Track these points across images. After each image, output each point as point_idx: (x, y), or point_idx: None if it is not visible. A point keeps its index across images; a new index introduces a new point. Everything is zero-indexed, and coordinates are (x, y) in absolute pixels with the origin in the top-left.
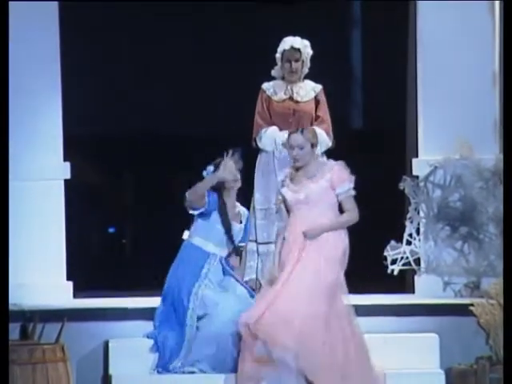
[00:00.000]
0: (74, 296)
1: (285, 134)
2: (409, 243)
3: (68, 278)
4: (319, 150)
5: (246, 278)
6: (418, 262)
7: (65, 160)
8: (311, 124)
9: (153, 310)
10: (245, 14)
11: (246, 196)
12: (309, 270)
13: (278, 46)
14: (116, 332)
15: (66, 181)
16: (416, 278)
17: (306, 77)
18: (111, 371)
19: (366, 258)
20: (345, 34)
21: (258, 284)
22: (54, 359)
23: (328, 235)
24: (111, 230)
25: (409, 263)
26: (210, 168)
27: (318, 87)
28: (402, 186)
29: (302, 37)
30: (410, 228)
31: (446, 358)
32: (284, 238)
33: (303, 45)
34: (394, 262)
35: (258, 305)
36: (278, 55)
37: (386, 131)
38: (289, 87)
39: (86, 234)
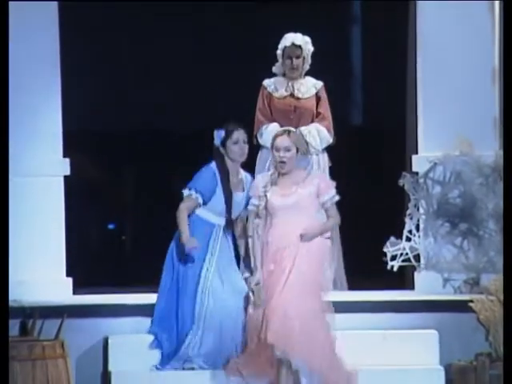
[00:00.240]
0: (74, 292)
1: None
2: (408, 239)
3: (68, 275)
4: (320, 146)
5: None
6: (417, 258)
7: (64, 156)
8: (312, 121)
9: (152, 306)
10: (245, 14)
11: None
12: (306, 275)
13: (277, 45)
14: (116, 328)
15: (65, 177)
16: (416, 274)
17: (307, 73)
18: (111, 367)
19: (366, 254)
20: (345, 31)
21: None
22: (54, 355)
23: (316, 239)
24: (111, 227)
25: (408, 259)
26: (221, 133)
27: (319, 84)
28: (401, 182)
29: (302, 34)
30: (409, 224)
31: (446, 355)
32: (267, 242)
33: (304, 41)
34: (393, 258)
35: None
36: (278, 52)
37: (386, 128)
38: (290, 84)
39: (85, 231)
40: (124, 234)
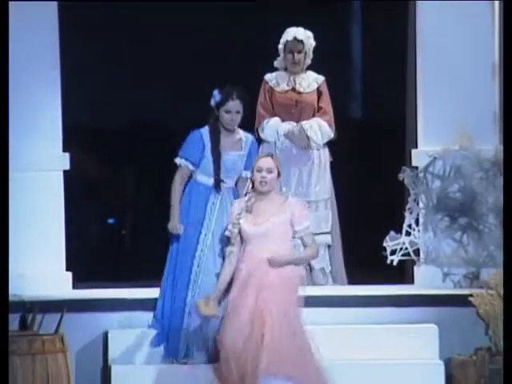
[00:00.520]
0: (74, 287)
1: (287, 125)
2: (408, 234)
3: (67, 269)
4: (321, 141)
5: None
6: (417, 252)
7: (64, 151)
8: (313, 115)
9: (152, 300)
10: (245, 14)
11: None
12: (274, 302)
13: (277, 43)
14: (115, 323)
15: (65, 172)
16: (415, 268)
17: (308, 68)
18: (110, 362)
19: (366, 249)
20: (345, 26)
21: None
22: (54, 350)
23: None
24: (111, 221)
25: (408, 254)
26: (217, 96)
27: (321, 78)
28: (401, 176)
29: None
30: (409, 219)
31: (446, 349)
32: (239, 268)
33: (306, 36)
34: (393, 252)
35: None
36: (280, 46)
37: (386, 122)
38: (291, 78)
39: (85, 225)
40: (124, 228)
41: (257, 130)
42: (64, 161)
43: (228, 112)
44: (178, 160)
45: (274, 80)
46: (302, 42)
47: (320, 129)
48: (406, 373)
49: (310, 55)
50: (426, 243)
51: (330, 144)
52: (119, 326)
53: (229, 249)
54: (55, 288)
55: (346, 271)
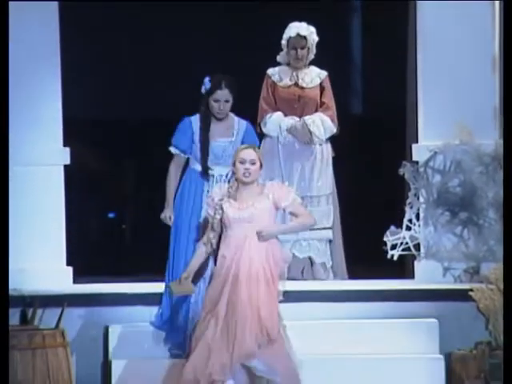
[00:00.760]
0: (74, 281)
1: (290, 120)
2: (408, 228)
3: (68, 264)
4: (324, 136)
5: None
6: (417, 247)
7: (64, 145)
8: (316, 110)
9: (153, 295)
10: (246, 11)
11: None
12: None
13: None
14: (116, 317)
15: (65, 166)
16: (416, 263)
17: (310, 63)
18: (111, 356)
19: (366, 244)
20: (345, 22)
21: None
22: (54, 344)
23: (272, 248)
24: (111, 216)
25: (408, 248)
26: (207, 84)
27: (323, 74)
28: (401, 171)
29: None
30: (409, 213)
31: (446, 343)
32: (223, 256)
33: (309, 32)
34: (393, 247)
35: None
36: (283, 42)
37: (386, 117)
38: (294, 73)
39: (85, 220)
40: (124, 222)
41: (259, 125)
42: (64, 155)
43: (216, 101)
44: (171, 149)
45: (277, 75)
46: (305, 37)
47: (323, 124)
48: (407, 367)
49: (313, 50)
50: (427, 238)
51: (331, 139)
52: (120, 321)
53: (211, 234)
54: (56, 283)
55: (346, 266)
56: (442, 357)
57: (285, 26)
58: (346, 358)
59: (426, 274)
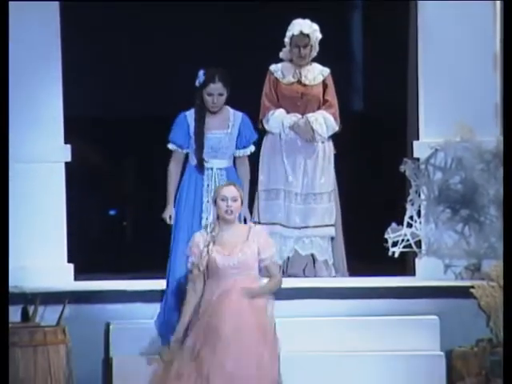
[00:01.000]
0: (75, 278)
1: (292, 117)
2: (409, 226)
3: (69, 261)
4: (326, 134)
5: None
6: (418, 244)
7: (66, 143)
8: (319, 108)
9: (153, 292)
10: (245, 14)
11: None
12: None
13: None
14: (117, 314)
15: (66, 163)
16: (417, 260)
17: (312, 60)
18: (112, 353)
19: (367, 241)
20: (346, 19)
21: None
22: (55, 341)
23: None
24: (112, 213)
25: (409, 246)
26: (201, 77)
27: (326, 71)
28: (402, 168)
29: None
30: (410, 210)
31: (447, 340)
32: (209, 301)
33: (312, 29)
34: (394, 244)
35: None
36: (286, 39)
37: (387, 114)
38: (297, 70)
39: (86, 217)
40: (125, 220)
41: (261, 121)
42: (65, 152)
43: (210, 94)
44: (169, 145)
45: (280, 71)
46: (308, 36)
47: (325, 122)
48: (408, 364)
49: (316, 48)
50: (428, 235)
51: (333, 136)
52: (121, 318)
53: (196, 284)
54: (57, 280)
55: (347, 263)
56: (442, 354)
57: (285, 26)
58: (347, 355)
59: (427, 271)
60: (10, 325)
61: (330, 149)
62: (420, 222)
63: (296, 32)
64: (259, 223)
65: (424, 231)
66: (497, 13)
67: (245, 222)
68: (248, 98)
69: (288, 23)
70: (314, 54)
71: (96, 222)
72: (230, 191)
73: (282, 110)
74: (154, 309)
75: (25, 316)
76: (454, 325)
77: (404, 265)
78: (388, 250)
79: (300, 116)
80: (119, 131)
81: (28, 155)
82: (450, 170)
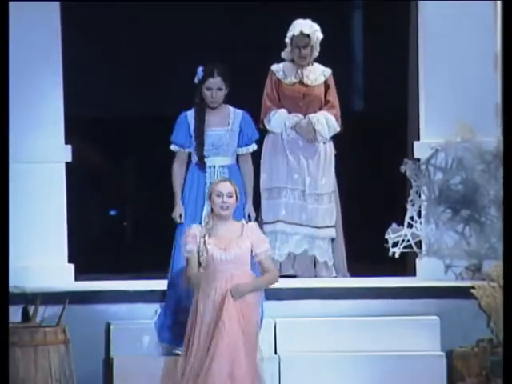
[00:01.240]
0: (76, 279)
1: (295, 118)
2: (410, 226)
3: (69, 261)
4: (328, 134)
5: None
6: (419, 244)
7: (66, 143)
8: (320, 108)
9: (154, 292)
10: (245, 14)
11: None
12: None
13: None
14: (117, 314)
15: (67, 164)
16: (417, 260)
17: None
18: (112, 354)
19: (368, 241)
20: (347, 19)
21: None
22: (56, 341)
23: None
24: (112, 213)
25: (410, 246)
26: (200, 73)
27: (328, 71)
28: (403, 168)
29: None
30: (411, 211)
31: (447, 341)
32: (207, 295)
33: (313, 30)
34: (395, 244)
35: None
36: (287, 40)
37: (388, 115)
38: (299, 71)
39: (87, 217)
40: (125, 220)
41: (262, 121)
42: (66, 153)
43: (209, 89)
44: (171, 147)
45: (281, 72)
46: (308, 36)
47: (327, 122)
48: (408, 365)
49: (317, 48)
50: (428, 235)
51: (333, 137)
52: (121, 318)
53: (195, 271)
54: (57, 280)
55: (348, 263)
56: (443, 354)
57: (285, 26)
58: (348, 355)
59: (428, 272)
60: (10, 325)
61: (330, 149)
62: (420, 223)
63: (296, 32)
64: (262, 222)
65: (424, 231)
66: (497, 13)
67: (249, 219)
68: (248, 98)
69: (288, 23)
70: (316, 54)
71: (96, 222)
72: (226, 187)
73: (283, 110)
74: (155, 309)
75: (25, 316)
76: (454, 325)
77: (404, 265)
78: (388, 250)
79: (302, 116)
80: (119, 131)
81: (28, 155)
82: (451, 170)
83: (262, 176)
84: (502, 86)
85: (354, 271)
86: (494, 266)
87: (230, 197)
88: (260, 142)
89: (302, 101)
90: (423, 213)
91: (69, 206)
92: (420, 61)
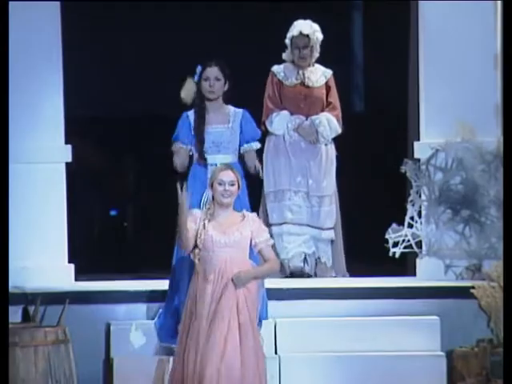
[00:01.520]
0: (76, 279)
1: (297, 120)
2: (410, 226)
3: (69, 261)
4: (330, 136)
5: None
6: (419, 244)
7: (66, 143)
8: (322, 110)
9: (154, 292)
10: (245, 14)
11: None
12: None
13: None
14: (117, 315)
15: (67, 164)
16: (417, 260)
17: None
18: (113, 354)
19: (368, 241)
20: (347, 18)
21: None
22: (56, 342)
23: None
24: (113, 213)
25: (410, 246)
26: (199, 69)
27: (329, 72)
28: (403, 168)
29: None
30: (411, 211)
31: (448, 341)
32: (205, 279)
33: (312, 30)
34: (395, 244)
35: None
36: (287, 41)
37: (388, 115)
38: (300, 72)
39: (87, 217)
40: (126, 220)
41: (264, 123)
42: (66, 153)
43: (206, 79)
44: (173, 146)
45: (283, 73)
46: (307, 36)
47: (329, 124)
48: (408, 365)
49: (317, 48)
50: (428, 235)
51: (334, 138)
52: (121, 318)
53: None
54: (57, 280)
55: (348, 264)
56: (443, 354)
57: (286, 26)
58: (348, 355)
59: (428, 272)
60: (10, 325)
61: (332, 151)
62: (421, 223)
63: (296, 33)
64: (269, 224)
65: (425, 232)
66: (497, 13)
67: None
68: (249, 99)
69: (288, 23)
70: (316, 55)
71: (97, 223)
72: (228, 175)
73: (285, 112)
74: (155, 309)
75: (25, 316)
76: (454, 325)
77: (405, 265)
78: (389, 250)
79: (304, 118)
80: (119, 131)
81: (29, 156)
82: (451, 170)
83: (266, 179)
84: (502, 85)
85: (354, 271)
86: (494, 266)
87: (232, 185)
88: (261, 143)
89: (303, 102)
90: (423, 213)
91: (69, 207)
92: (420, 61)
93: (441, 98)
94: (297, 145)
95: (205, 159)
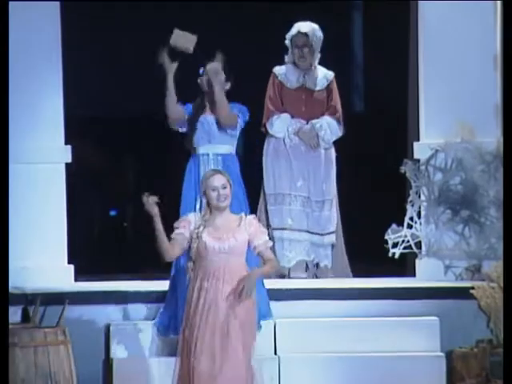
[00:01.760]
0: (76, 279)
1: (297, 123)
2: (410, 227)
3: (69, 262)
4: (331, 139)
5: None
6: (419, 245)
7: (66, 143)
8: (323, 113)
9: (154, 293)
10: (245, 14)
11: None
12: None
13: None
14: (117, 315)
15: (67, 164)
16: (417, 261)
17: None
18: (112, 354)
19: (368, 242)
20: (347, 18)
21: None
22: (56, 342)
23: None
24: (112, 213)
25: (410, 247)
26: (201, 70)
27: (330, 74)
28: (403, 169)
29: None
30: (411, 211)
31: (447, 341)
32: (201, 287)
33: (311, 28)
34: (395, 245)
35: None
36: (287, 41)
37: (388, 115)
38: (301, 74)
39: (87, 218)
40: (125, 220)
41: (264, 125)
42: (66, 153)
43: (207, 74)
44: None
45: (284, 75)
46: (306, 34)
47: (330, 128)
48: (408, 365)
49: (318, 48)
50: (428, 236)
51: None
52: (121, 319)
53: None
54: (57, 281)
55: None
56: (443, 355)
57: (286, 26)
58: (347, 356)
59: (428, 272)
60: (10, 325)
61: (332, 154)
62: (420, 223)
63: (294, 32)
64: (270, 228)
65: (424, 232)
66: (497, 13)
67: None
68: (249, 99)
69: (289, 23)
70: (317, 56)
71: (96, 223)
72: (219, 180)
73: (286, 115)
74: (155, 310)
75: (25, 317)
76: (454, 326)
77: (404, 266)
78: (388, 251)
79: (305, 121)
80: (119, 131)
81: (28, 156)
82: (451, 170)
83: (266, 182)
84: (502, 86)
85: (354, 272)
86: (494, 267)
87: (225, 188)
88: (260, 146)
89: (304, 105)
90: (423, 213)
91: (69, 207)
92: (420, 61)
93: (440, 99)
94: (297, 148)
95: (195, 147)
